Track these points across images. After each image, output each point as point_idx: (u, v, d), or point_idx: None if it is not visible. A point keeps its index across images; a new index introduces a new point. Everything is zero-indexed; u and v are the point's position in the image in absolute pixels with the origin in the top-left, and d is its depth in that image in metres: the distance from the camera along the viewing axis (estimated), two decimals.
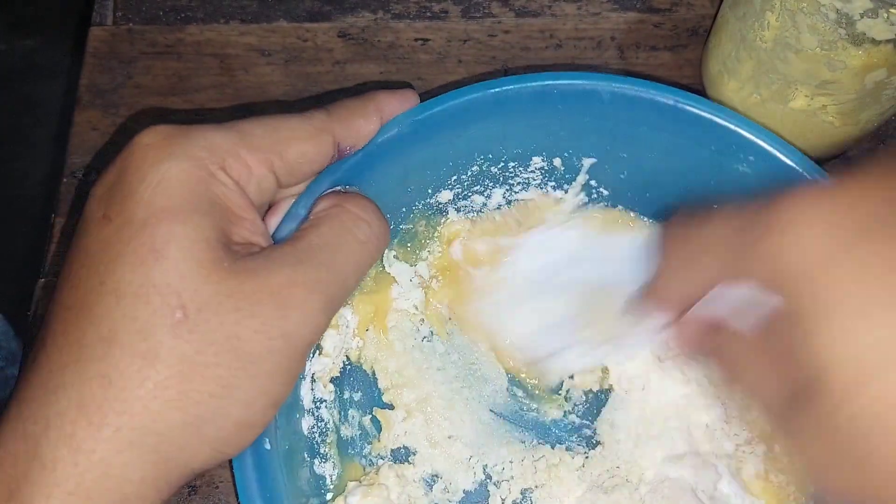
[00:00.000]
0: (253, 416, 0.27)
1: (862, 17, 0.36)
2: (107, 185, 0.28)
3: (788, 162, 0.35)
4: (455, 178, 0.39)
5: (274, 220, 0.32)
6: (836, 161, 0.49)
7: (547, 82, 0.35)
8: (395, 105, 0.34)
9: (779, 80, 0.42)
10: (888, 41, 0.37)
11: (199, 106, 0.48)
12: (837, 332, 0.21)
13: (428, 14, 0.52)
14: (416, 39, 0.51)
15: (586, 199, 0.41)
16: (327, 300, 0.28)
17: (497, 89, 0.35)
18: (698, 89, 0.50)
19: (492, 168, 0.39)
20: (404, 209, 0.39)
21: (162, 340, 0.25)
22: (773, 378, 0.23)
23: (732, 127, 0.36)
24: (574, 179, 0.41)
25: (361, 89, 0.37)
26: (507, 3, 0.53)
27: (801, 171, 0.35)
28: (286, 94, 0.49)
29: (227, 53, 0.50)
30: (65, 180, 0.46)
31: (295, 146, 0.30)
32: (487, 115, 0.36)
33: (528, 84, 0.35)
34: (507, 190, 0.41)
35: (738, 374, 0.26)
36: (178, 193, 0.27)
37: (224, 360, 0.26)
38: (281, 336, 0.27)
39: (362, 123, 0.33)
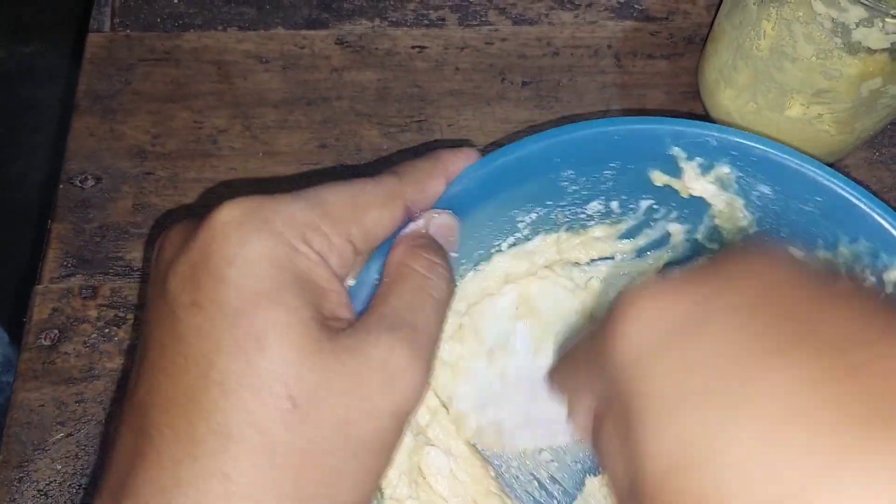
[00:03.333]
0: (361, 497, 0.27)
1: (857, 26, 0.37)
2: (190, 265, 0.26)
3: (855, 201, 0.34)
4: (513, 226, 0.39)
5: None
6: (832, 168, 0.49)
7: (608, 129, 0.35)
8: (460, 164, 0.34)
9: (775, 89, 0.42)
10: (883, 50, 0.37)
11: (196, 112, 0.49)
12: (651, 426, 0.22)
13: (425, 21, 0.52)
14: (413, 47, 0.51)
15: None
16: (426, 363, 0.28)
17: (559, 139, 0.34)
18: (696, 101, 0.50)
19: (550, 214, 0.39)
20: (464, 261, 0.38)
21: (276, 433, 0.25)
22: (619, 466, 0.23)
23: (798, 167, 0.35)
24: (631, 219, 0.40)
25: (422, 150, 0.36)
26: (503, 11, 0.53)
27: (865, 208, 0.34)
28: (284, 101, 0.49)
29: (225, 60, 0.50)
30: (62, 186, 0.46)
31: (371, 214, 0.30)
32: (549, 165, 0.36)
33: (589, 131, 0.35)
34: (566, 230, 0.40)
35: (604, 464, 0.26)
36: (267, 275, 0.26)
37: (335, 447, 0.26)
38: (389, 413, 0.26)
39: (432, 185, 0.32)
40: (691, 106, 0.50)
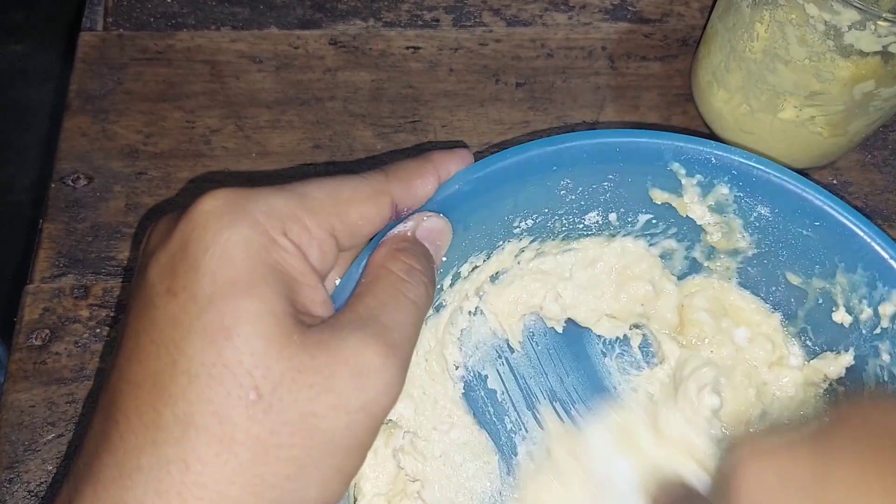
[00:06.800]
0: (329, 495, 0.27)
1: (850, 28, 0.37)
2: (169, 254, 0.27)
3: (855, 229, 0.34)
4: (508, 231, 0.38)
5: (330, 280, 0.31)
6: (825, 171, 0.49)
7: (608, 140, 0.35)
8: (452, 165, 0.34)
9: (768, 91, 0.42)
10: (876, 53, 0.37)
11: (189, 112, 0.48)
12: None
13: (419, 22, 0.52)
14: (407, 47, 0.51)
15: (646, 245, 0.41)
16: (400, 362, 0.28)
17: (556, 147, 0.35)
18: (690, 103, 0.50)
19: (547, 222, 0.39)
20: (457, 262, 0.38)
21: (238, 423, 0.25)
22: None
23: (798, 191, 0.35)
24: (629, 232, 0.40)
25: (416, 151, 0.36)
26: (498, 13, 0.53)
27: (865, 236, 0.34)
28: (277, 101, 0.49)
29: (218, 60, 0.50)
30: (53, 186, 0.46)
31: (355, 209, 0.30)
32: (546, 172, 0.36)
33: (589, 141, 0.35)
34: (562, 239, 0.40)
35: None
36: (241, 265, 0.26)
37: (300, 440, 0.25)
38: (360, 408, 0.26)
39: (420, 184, 0.32)
40: (685, 108, 0.50)
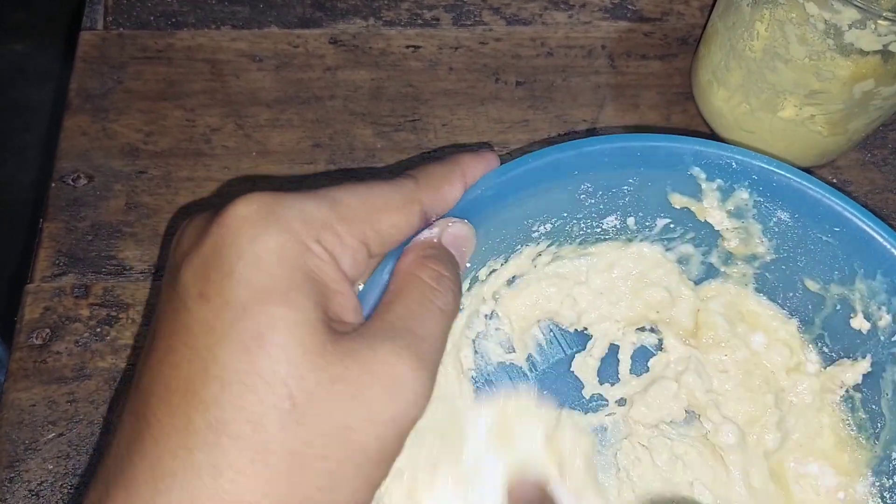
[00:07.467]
0: None
1: (850, 27, 0.37)
2: (202, 257, 0.27)
3: (875, 235, 0.34)
4: (527, 235, 0.38)
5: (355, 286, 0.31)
6: (825, 170, 0.49)
7: (630, 144, 0.35)
8: (479, 169, 0.33)
9: (768, 90, 0.42)
10: (876, 52, 0.37)
11: (189, 111, 0.48)
12: None
13: (419, 21, 0.52)
14: (407, 46, 0.51)
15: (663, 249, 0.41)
16: (430, 373, 0.28)
17: (578, 151, 0.34)
18: (690, 101, 0.50)
19: (566, 226, 0.38)
20: (476, 266, 0.38)
21: (272, 432, 0.24)
22: None
23: (819, 196, 0.34)
24: (647, 237, 0.40)
25: (442, 153, 0.34)
26: (497, 11, 0.53)
27: (885, 242, 0.34)
28: (277, 100, 0.49)
29: (218, 59, 0.50)
30: (54, 185, 0.46)
31: (387, 217, 0.29)
32: (567, 176, 0.35)
33: (610, 145, 0.35)
34: (579, 243, 0.40)
35: None
36: (276, 271, 0.26)
37: (333, 451, 0.25)
38: (391, 420, 0.26)
39: (448, 190, 0.32)
40: (685, 106, 0.50)
